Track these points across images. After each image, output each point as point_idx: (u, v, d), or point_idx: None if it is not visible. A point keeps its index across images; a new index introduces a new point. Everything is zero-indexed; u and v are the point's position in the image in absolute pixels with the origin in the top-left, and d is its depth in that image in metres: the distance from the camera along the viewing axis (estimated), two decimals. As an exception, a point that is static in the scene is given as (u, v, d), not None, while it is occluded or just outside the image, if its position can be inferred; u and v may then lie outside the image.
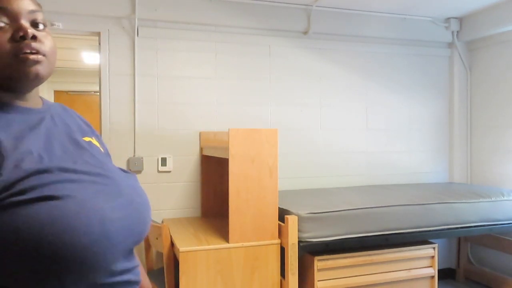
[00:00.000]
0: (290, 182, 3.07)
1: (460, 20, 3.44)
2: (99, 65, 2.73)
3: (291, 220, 2.16)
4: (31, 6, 0.70)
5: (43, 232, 0.57)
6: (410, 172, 3.43)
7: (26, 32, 0.67)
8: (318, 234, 2.24)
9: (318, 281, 2.30)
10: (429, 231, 2.49)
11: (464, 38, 3.44)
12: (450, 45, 3.51)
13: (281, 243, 2.21)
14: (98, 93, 2.80)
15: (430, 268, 2.58)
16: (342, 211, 2.32)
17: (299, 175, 3.11)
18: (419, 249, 2.55)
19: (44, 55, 0.70)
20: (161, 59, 2.79)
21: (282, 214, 2.25)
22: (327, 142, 3.17)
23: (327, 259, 2.32)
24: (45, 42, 0.71)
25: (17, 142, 0.65)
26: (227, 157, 2.17)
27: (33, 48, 0.68)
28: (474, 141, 3.50)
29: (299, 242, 2.19)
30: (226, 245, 2.12)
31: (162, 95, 2.80)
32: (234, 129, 2.13)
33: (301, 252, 2.25)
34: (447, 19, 3.43)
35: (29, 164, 0.63)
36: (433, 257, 2.59)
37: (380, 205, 2.42)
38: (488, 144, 3.37)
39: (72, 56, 4.57)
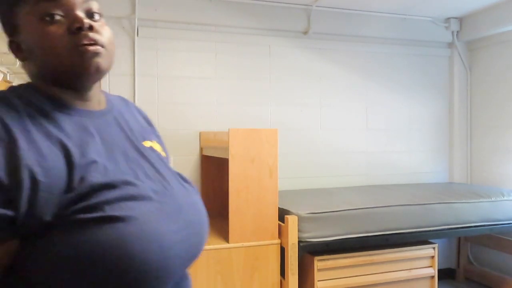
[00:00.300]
0: (290, 182, 3.07)
1: (460, 20, 3.44)
2: (99, 65, 2.73)
3: (291, 220, 2.16)
4: None
5: (103, 256, 0.56)
6: (410, 172, 3.42)
7: (82, 23, 0.63)
8: (318, 234, 2.24)
9: (318, 281, 2.30)
10: (429, 231, 2.49)
11: (464, 38, 3.44)
12: (450, 45, 3.51)
13: (281, 243, 2.21)
14: (98, 93, 2.79)
15: (430, 268, 2.58)
16: (342, 211, 2.32)
17: (299, 175, 3.11)
18: (419, 249, 2.55)
19: (102, 46, 0.66)
20: (161, 59, 2.79)
21: (282, 214, 2.25)
22: (327, 142, 3.17)
23: (327, 259, 2.32)
24: (103, 32, 0.68)
25: (81, 150, 0.62)
26: (227, 157, 2.17)
27: (91, 39, 0.64)
28: (474, 141, 3.50)
29: (299, 242, 2.19)
30: (226, 245, 2.12)
31: (162, 95, 2.80)
32: (234, 129, 2.13)
33: (301, 252, 2.25)
34: (447, 19, 3.43)
35: (95, 177, 0.60)
36: (433, 257, 2.59)
37: (380, 205, 2.42)
38: (488, 144, 3.37)
39: (72, 56, 4.57)
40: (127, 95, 2.73)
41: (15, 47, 0.68)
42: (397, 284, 2.49)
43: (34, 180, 0.55)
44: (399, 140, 3.41)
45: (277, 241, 2.20)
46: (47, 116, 0.62)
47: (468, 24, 3.39)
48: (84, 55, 0.64)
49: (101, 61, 0.66)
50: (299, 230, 2.19)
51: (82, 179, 0.59)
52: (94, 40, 0.65)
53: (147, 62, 2.77)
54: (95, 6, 0.68)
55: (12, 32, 0.67)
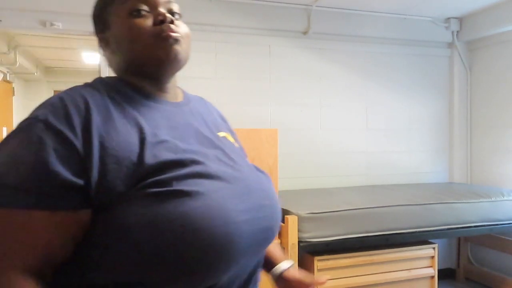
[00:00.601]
0: (290, 182, 3.06)
1: (460, 20, 3.44)
2: (99, 65, 2.73)
3: (291, 220, 2.16)
4: None
5: (169, 228, 0.58)
6: (410, 172, 3.42)
7: (165, 16, 0.72)
8: (318, 234, 2.24)
9: (318, 281, 2.30)
10: (429, 231, 2.49)
11: (464, 38, 3.44)
12: (450, 45, 3.51)
13: (281, 243, 2.21)
14: (98, 93, 2.79)
15: (430, 268, 2.58)
16: (342, 211, 2.32)
17: (299, 175, 3.11)
18: (419, 249, 2.55)
19: (182, 37, 0.73)
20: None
21: (282, 214, 2.25)
22: (327, 142, 3.17)
23: (327, 259, 2.32)
24: (182, 27, 0.75)
25: (155, 131, 0.67)
26: (227, 157, 2.17)
27: (172, 30, 0.72)
28: (474, 141, 3.50)
29: (299, 242, 2.19)
30: (226, 245, 2.12)
31: (162, 95, 2.79)
32: (234, 129, 2.13)
33: (301, 252, 2.25)
34: (447, 19, 3.43)
35: (165, 155, 0.64)
36: (433, 257, 2.59)
37: (380, 205, 2.42)
38: (488, 144, 3.37)
39: (72, 56, 4.57)
40: (127, 95, 2.73)
41: (104, 43, 0.77)
42: (397, 284, 2.49)
43: (105, 152, 0.60)
44: (399, 140, 3.40)
45: (277, 241, 2.20)
46: (127, 99, 0.70)
47: (468, 24, 3.39)
48: (166, 41, 0.71)
49: (180, 49, 0.73)
50: (299, 230, 2.19)
51: (153, 155, 0.63)
52: (176, 31, 0.72)
53: (147, 62, 2.76)
54: (175, 7, 0.77)
55: (103, 29, 0.77)
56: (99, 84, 0.71)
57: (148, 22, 0.72)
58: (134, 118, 0.67)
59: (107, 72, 2.71)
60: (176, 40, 0.72)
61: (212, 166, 0.67)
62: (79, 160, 0.59)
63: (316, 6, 3.05)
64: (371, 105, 3.32)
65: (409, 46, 3.40)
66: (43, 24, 2.61)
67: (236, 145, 0.85)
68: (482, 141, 3.42)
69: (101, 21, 0.77)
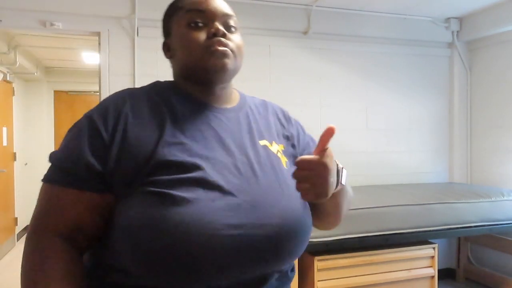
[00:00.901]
0: (290, 182, 3.06)
1: (460, 20, 3.44)
2: (99, 65, 2.73)
3: (291, 220, 2.15)
4: (225, 10, 0.81)
5: (148, 228, 0.64)
6: (410, 172, 3.42)
7: (217, 30, 0.77)
8: (318, 234, 2.24)
9: (318, 281, 2.30)
10: (429, 231, 2.49)
11: (464, 38, 3.44)
12: (450, 45, 3.51)
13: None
14: (98, 93, 2.80)
15: (430, 268, 2.58)
16: (342, 211, 2.32)
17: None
18: (419, 249, 2.55)
19: (232, 51, 0.79)
20: (161, 59, 2.75)
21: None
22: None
23: (327, 259, 2.32)
24: (234, 40, 0.81)
25: (177, 132, 0.72)
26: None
27: (222, 43, 0.77)
28: (474, 141, 3.50)
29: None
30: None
31: (162, 95, 2.79)
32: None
33: (301, 252, 2.25)
34: (447, 19, 3.43)
35: (174, 156, 0.69)
36: (433, 257, 2.59)
37: (380, 205, 2.42)
38: (488, 144, 3.37)
39: (72, 56, 4.57)
40: (127, 95, 2.73)
41: (166, 48, 0.86)
42: (397, 284, 2.49)
43: (124, 145, 0.69)
44: (399, 140, 3.40)
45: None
46: (168, 102, 0.77)
47: (468, 24, 3.39)
48: (214, 54, 0.76)
49: (228, 62, 0.78)
50: (299, 230, 2.19)
51: (163, 154, 0.69)
52: (225, 45, 0.77)
53: (147, 62, 2.76)
54: (232, 21, 0.82)
55: (166, 35, 0.86)
56: (150, 86, 0.82)
57: (203, 34, 0.78)
58: (163, 118, 0.74)
59: (108, 72, 2.71)
60: (223, 54, 0.77)
61: (213, 175, 0.68)
62: (104, 150, 0.69)
63: (316, 6, 3.05)
64: (371, 105, 3.32)
65: (409, 46, 3.40)
66: (43, 24, 2.61)
67: (280, 155, 0.81)
68: (482, 141, 3.42)
69: (166, 28, 0.85)
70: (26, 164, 5.16)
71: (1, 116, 4.23)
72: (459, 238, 3.42)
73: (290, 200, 0.73)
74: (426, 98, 3.48)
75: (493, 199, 2.68)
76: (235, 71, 0.82)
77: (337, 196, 0.76)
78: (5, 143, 4.33)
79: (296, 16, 3.07)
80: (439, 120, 3.53)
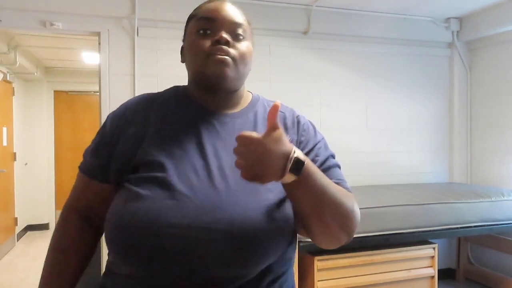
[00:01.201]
0: (290, 182, 3.06)
1: (460, 20, 3.44)
2: (99, 65, 2.73)
3: (291, 220, 2.15)
4: (235, 19, 0.83)
5: (111, 220, 0.74)
6: (410, 172, 3.42)
7: (220, 37, 0.79)
8: (318, 234, 2.24)
9: (318, 281, 2.30)
10: (429, 231, 2.49)
11: (464, 38, 3.44)
12: (450, 45, 3.51)
13: (281, 243, 2.21)
14: (98, 93, 2.80)
15: (430, 268, 2.58)
16: (342, 211, 2.31)
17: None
18: (419, 249, 2.55)
19: (233, 59, 0.79)
20: (161, 59, 2.78)
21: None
22: (327, 142, 3.16)
23: (327, 259, 2.32)
24: (239, 48, 0.81)
25: (163, 133, 0.80)
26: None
27: (222, 51, 0.78)
28: (474, 141, 3.50)
29: (299, 242, 2.19)
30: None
31: (162, 95, 2.79)
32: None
33: (301, 252, 2.25)
34: (447, 19, 3.43)
35: (149, 155, 0.76)
36: (433, 257, 2.59)
37: (380, 205, 2.43)
38: (488, 144, 3.37)
39: (72, 56, 4.57)
40: (127, 95, 2.73)
41: (183, 52, 0.89)
42: (397, 284, 2.49)
43: (120, 143, 0.80)
44: (399, 140, 3.40)
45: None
46: (168, 106, 0.84)
47: (468, 24, 3.39)
48: (213, 61, 0.78)
49: (227, 70, 0.79)
50: (299, 230, 2.19)
51: (144, 153, 0.77)
52: (226, 53, 0.79)
53: (147, 62, 2.76)
54: (240, 29, 0.83)
55: (183, 39, 0.89)
56: (166, 91, 0.90)
57: (208, 42, 0.80)
58: (158, 121, 0.81)
59: (108, 72, 2.71)
60: (222, 62, 0.78)
61: (174, 176, 0.73)
62: (104, 147, 0.82)
63: (316, 6, 3.05)
64: (371, 105, 3.32)
65: (409, 46, 3.40)
66: (43, 24, 2.61)
67: None
68: (482, 141, 3.42)
69: (184, 32, 0.90)
70: (26, 164, 5.16)
71: (1, 116, 4.23)
72: (459, 238, 3.42)
73: (246, 207, 0.70)
74: (426, 98, 3.48)
75: (493, 199, 2.68)
76: (237, 79, 0.82)
77: (299, 190, 0.68)
78: (5, 143, 4.33)
79: (296, 16, 3.07)
80: (439, 120, 3.53)
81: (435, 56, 3.50)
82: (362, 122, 3.30)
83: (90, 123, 5.51)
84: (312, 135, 0.89)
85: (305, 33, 3.11)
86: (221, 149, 0.78)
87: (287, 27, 3.06)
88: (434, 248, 2.59)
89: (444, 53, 3.51)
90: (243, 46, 0.82)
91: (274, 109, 0.64)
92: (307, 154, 0.81)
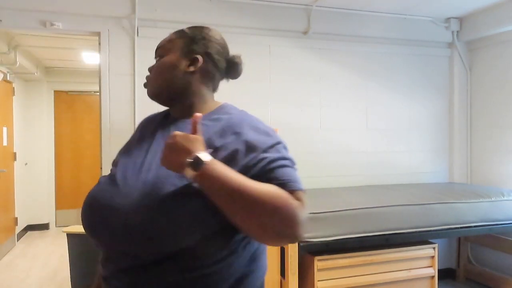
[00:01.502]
0: (290, 182, 3.06)
1: (460, 20, 3.44)
2: (99, 65, 2.73)
3: (291, 220, 2.15)
4: (159, 45, 1.07)
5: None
6: (410, 172, 3.42)
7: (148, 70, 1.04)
8: (318, 234, 2.24)
9: (318, 281, 2.30)
10: (429, 231, 2.49)
11: (464, 38, 3.44)
12: (450, 45, 3.51)
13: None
14: (98, 93, 2.80)
15: (430, 268, 2.58)
16: (342, 211, 2.32)
17: (299, 175, 3.10)
18: (419, 249, 2.55)
19: (149, 80, 1.01)
20: (161, 59, 2.78)
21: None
22: (327, 142, 3.17)
23: (327, 259, 2.32)
24: (154, 69, 1.01)
25: (136, 137, 1.01)
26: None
27: (147, 77, 1.03)
28: (474, 141, 3.50)
29: (299, 242, 2.19)
30: (226, 245, 2.12)
31: (162, 95, 2.79)
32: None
33: (301, 252, 2.25)
34: (447, 19, 3.43)
35: (119, 155, 1.00)
36: (433, 257, 2.59)
37: (380, 205, 2.42)
38: (488, 144, 3.37)
39: (72, 56, 4.57)
40: (127, 95, 2.73)
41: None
42: (397, 284, 2.49)
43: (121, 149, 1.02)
44: (399, 140, 3.40)
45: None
46: (157, 119, 1.04)
47: (468, 24, 3.39)
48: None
49: (148, 88, 1.01)
50: (299, 230, 2.19)
51: (118, 155, 1.01)
52: (147, 77, 1.03)
53: (147, 62, 2.75)
54: (157, 52, 1.05)
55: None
56: (163, 112, 1.08)
57: None
58: (142, 130, 1.03)
59: (108, 72, 2.71)
60: (145, 85, 1.03)
61: (118, 170, 0.91)
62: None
63: (316, 6, 3.05)
64: (371, 105, 3.32)
65: (409, 46, 3.40)
66: (43, 24, 2.61)
67: None
68: (482, 141, 3.42)
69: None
70: (26, 164, 5.16)
71: (1, 116, 4.23)
72: (459, 238, 3.42)
73: (146, 196, 0.82)
74: (426, 98, 3.48)
75: (493, 199, 2.68)
76: (155, 92, 1.00)
77: (204, 186, 0.76)
78: (5, 143, 4.33)
79: (296, 16, 3.07)
80: (439, 120, 3.53)
81: (435, 56, 3.50)
82: (362, 122, 3.30)
83: (90, 123, 5.52)
84: (256, 141, 0.91)
85: (305, 33, 3.11)
86: (157, 149, 0.92)
87: (287, 27, 3.06)
88: (434, 248, 2.59)
89: (444, 53, 3.51)
90: (157, 65, 1.01)
91: (193, 120, 0.81)
92: (242, 158, 0.85)
